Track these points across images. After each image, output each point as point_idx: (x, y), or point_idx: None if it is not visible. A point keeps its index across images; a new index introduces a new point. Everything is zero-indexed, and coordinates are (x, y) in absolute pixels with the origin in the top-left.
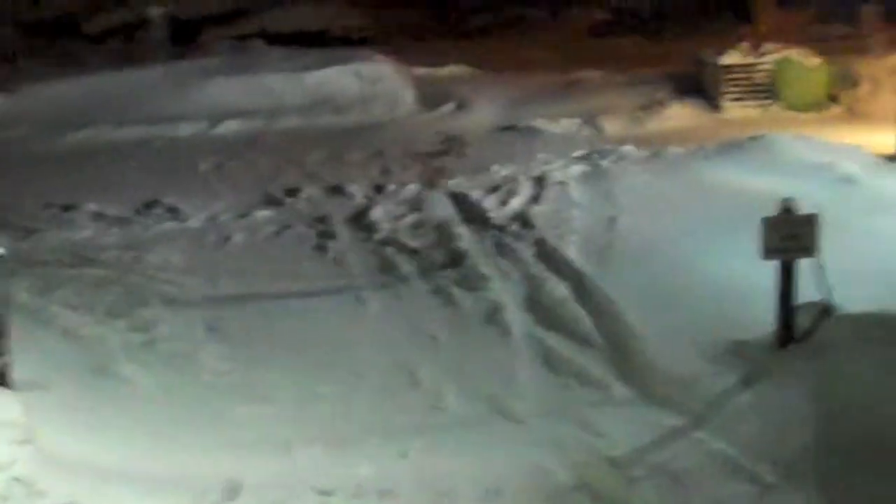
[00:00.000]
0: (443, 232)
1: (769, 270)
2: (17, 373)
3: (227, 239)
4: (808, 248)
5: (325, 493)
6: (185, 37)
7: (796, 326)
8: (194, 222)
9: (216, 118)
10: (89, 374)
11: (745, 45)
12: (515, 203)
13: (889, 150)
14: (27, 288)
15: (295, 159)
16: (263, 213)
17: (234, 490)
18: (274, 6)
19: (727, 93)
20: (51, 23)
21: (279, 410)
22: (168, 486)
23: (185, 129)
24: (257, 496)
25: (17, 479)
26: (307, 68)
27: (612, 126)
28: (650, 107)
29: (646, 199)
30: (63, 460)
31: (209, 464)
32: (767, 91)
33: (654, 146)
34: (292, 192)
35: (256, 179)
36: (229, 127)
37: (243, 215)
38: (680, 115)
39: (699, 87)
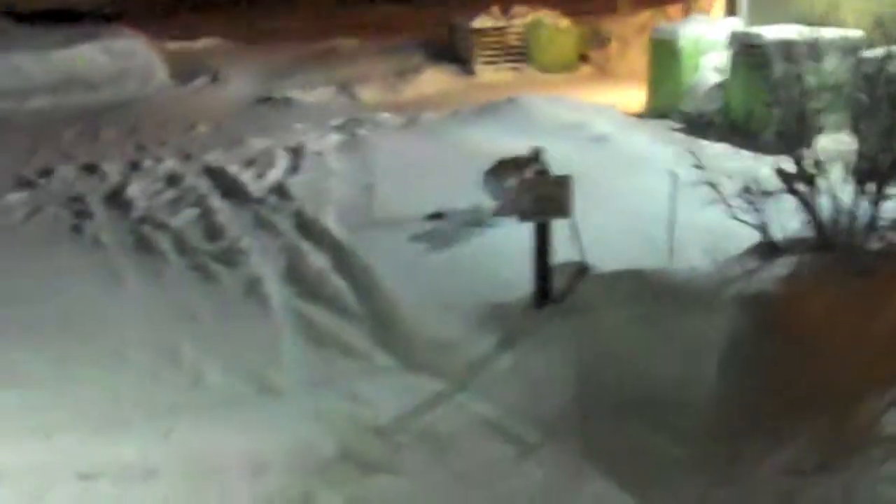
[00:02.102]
0: (200, 207)
1: (528, 232)
2: None
3: None
4: (563, 210)
5: (89, 477)
6: None
7: (553, 287)
8: None
9: None
10: None
11: (495, 8)
12: (273, 175)
13: (638, 108)
14: None
15: (47, 139)
16: (16, 196)
17: None
18: None
19: (480, 57)
20: None
21: (38, 395)
22: None
23: None
24: (18, 484)
25: None
26: (56, 46)
27: (368, 94)
28: (405, 73)
29: (403, 165)
30: None
31: None
32: (520, 53)
33: (410, 112)
34: (46, 172)
35: (8, 161)
36: None
37: None
38: (435, 80)
39: (453, 52)
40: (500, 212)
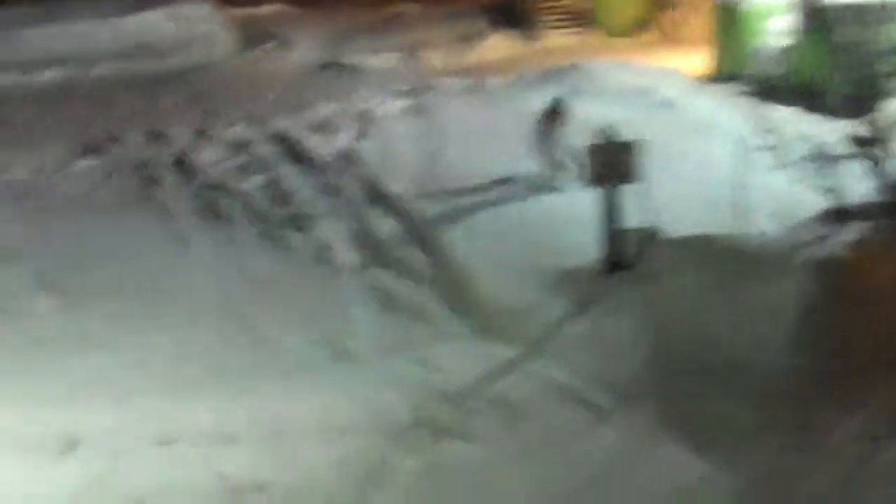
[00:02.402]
0: (268, 173)
1: (596, 197)
2: None
3: (52, 189)
4: (629, 175)
5: (165, 442)
6: None
7: (623, 252)
8: (17, 174)
9: (31, 68)
10: None
11: None
12: (340, 140)
13: (704, 73)
14: None
15: (115, 106)
16: (86, 163)
17: (71, 443)
18: None
19: (545, 21)
20: None
21: (114, 359)
22: (2, 441)
23: None
24: (95, 448)
25: None
26: (122, 13)
27: (433, 59)
28: (469, 39)
29: (468, 131)
30: None
31: (45, 417)
32: (584, 18)
33: (475, 78)
34: (113, 139)
35: (77, 128)
36: (45, 76)
37: (66, 165)
38: (499, 45)
39: (517, 17)
40: (568, 176)
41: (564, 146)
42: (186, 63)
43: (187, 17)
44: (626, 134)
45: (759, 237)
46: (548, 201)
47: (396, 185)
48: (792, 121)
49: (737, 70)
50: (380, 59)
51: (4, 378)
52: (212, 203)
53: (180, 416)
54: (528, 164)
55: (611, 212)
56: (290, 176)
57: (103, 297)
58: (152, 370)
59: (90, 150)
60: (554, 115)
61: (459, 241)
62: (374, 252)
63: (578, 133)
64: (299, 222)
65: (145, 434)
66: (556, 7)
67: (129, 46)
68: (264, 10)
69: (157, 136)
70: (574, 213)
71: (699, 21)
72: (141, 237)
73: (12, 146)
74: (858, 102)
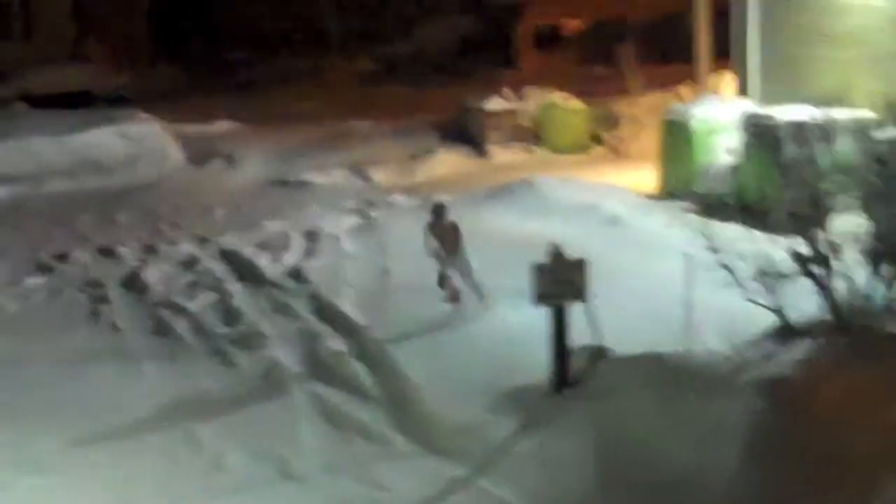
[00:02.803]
0: (217, 291)
1: (544, 314)
2: None
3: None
4: (579, 293)
5: None
6: None
7: (571, 370)
8: None
9: None
10: None
11: (507, 90)
12: (289, 258)
13: (651, 190)
14: None
15: (64, 223)
16: (34, 280)
17: None
18: (34, 68)
19: (492, 138)
20: None
21: (61, 480)
22: None
23: None
24: None
25: None
26: (71, 130)
27: (382, 176)
28: (418, 155)
29: (418, 247)
30: None
31: None
32: (533, 135)
33: (424, 194)
34: (62, 256)
35: (25, 245)
36: None
37: (13, 283)
38: (448, 161)
39: (465, 133)
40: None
41: (462, 266)
42: (135, 180)
43: (136, 134)
44: (574, 251)
45: (708, 355)
46: (498, 318)
47: (345, 303)
48: (739, 238)
49: (684, 187)
50: (328, 176)
51: None
52: (160, 321)
53: None
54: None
55: (559, 330)
56: (239, 293)
57: (49, 417)
58: (97, 491)
59: (39, 268)
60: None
61: (407, 358)
62: (321, 370)
63: (526, 251)
64: (247, 340)
65: None
66: (503, 124)
67: (78, 164)
68: (214, 127)
69: (106, 253)
70: (524, 328)
71: (645, 138)
72: (88, 355)
73: None
74: (804, 220)
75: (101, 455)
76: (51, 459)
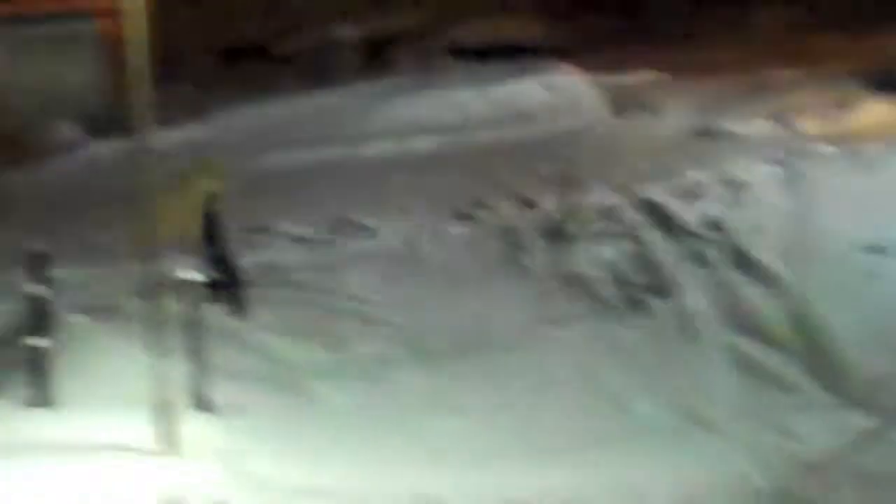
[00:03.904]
0: (635, 240)
1: None
2: (216, 396)
3: (422, 256)
4: None
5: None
6: (373, 56)
7: None
8: (387, 240)
9: (404, 135)
10: (284, 395)
11: None
12: (709, 208)
13: None
14: (223, 310)
15: (484, 173)
16: (455, 229)
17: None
18: (459, 21)
19: None
20: (241, 48)
21: (470, 422)
22: (358, 501)
23: (373, 148)
24: None
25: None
26: (494, 81)
27: (807, 125)
28: (845, 104)
29: (842, 198)
30: (257, 479)
31: (399, 478)
32: None
33: (850, 145)
34: (483, 206)
35: (446, 194)
36: (417, 143)
37: (435, 232)
38: (876, 111)
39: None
40: None
41: None
42: (557, 130)
43: (557, 84)
44: None
45: None
46: None
47: (764, 253)
48: None
49: None
50: (752, 126)
51: (363, 441)
52: (577, 272)
53: (536, 482)
54: None
55: None
56: (657, 242)
57: (461, 362)
58: (509, 433)
59: (460, 216)
60: None
61: (828, 309)
62: (738, 319)
63: None
64: (664, 289)
65: (497, 496)
66: None
67: (501, 115)
68: (636, 77)
69: (527, 204)
70: None
71: None
72: (505, 303)
73: (384, 212)
74: None
75: (514, 399)
76: (469, 402)
